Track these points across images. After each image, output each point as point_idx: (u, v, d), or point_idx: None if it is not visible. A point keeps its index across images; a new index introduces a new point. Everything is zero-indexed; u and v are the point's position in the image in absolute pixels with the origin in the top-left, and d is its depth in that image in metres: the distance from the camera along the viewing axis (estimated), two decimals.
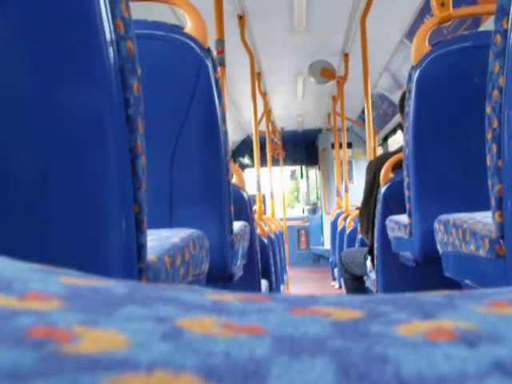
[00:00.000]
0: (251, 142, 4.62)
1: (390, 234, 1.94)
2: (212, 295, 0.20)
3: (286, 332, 0.16)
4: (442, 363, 0.14)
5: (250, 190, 2.03)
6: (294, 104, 7.23)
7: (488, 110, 0.89)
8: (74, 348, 0.14)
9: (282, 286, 4.21)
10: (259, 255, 2.05)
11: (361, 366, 0.13)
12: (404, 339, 0.15)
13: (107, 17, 0.58)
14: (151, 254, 0.72)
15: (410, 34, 4.00)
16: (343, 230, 4.48)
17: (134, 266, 0.65)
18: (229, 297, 0.20)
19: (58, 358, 0.13)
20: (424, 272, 1.79)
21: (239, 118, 7.37)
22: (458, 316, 0.17)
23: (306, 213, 9.64)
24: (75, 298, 0.18)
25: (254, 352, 0.14)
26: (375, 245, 2.15)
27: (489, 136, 0.90)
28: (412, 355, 0.14)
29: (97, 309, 0.17)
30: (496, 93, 0.86)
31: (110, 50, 0.58)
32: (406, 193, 1.64)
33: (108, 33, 0.58)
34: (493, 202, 0.91)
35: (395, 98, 5.60)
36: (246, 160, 9.15)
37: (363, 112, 4.73)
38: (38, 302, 0.17)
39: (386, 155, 2.38)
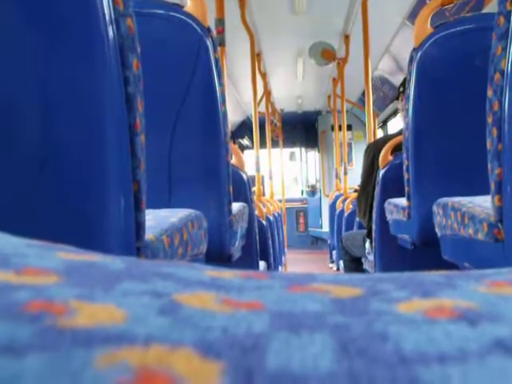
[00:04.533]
0: (251, 123, 4.61)
1: (389, 217, 1.95)
2: (211, 272, 0.20)
3: (284, 308, 0.16)
4: (442, 341, 0.13)
5: (249, 171, 2.02)
6: (293, 85, 7.20)
7: (489, 93, 0.88)
8: (70, 322, 0.14)
9: (280, 268, 4.23)
10: (258, 236, 2.06)
11: (360, 342, 0.13)
12: (404, 317, 0.15)
13: None
14: (149, 234, 0.72)
15: (412, 15, 3.97)
16: (342, 212, 4.48)
17: (132, 244, 0.65)
18: (227, 274, 0.20)
19: (54, 332, 0.13)
20: (422, 255, 1.79)
21: (239, 98, 7.34)
22: (458, 295, 0.17)
23: (304, 195, 9.65)
24: (72, 273, 0.18)
25: (252, 327, 0.14)
26: (373, 227, 2.15)
27: (489, 119, 0.89)
28: (412, 332, 0.14)
29: (94, 284, 0.17)
30: (498, 76, 0.85)
31: (110, 28, 0.58)
32: (405, 175, 1.64)
33: (107, 10, 0.57)
34: (492, 186, 0.91)
35: (396, 80, 5.58)
36: (245, 141, 9.14)
37: (363, 94, 4.71)
38: (35, 276, 0.17)
39: (385, 138, 2.38)
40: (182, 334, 0.13)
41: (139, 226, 0.67)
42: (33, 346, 0.12)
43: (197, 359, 0.12)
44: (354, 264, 2.94)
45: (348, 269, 3.08)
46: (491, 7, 2.76)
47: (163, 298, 0.16)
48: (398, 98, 2.49)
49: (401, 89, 2.34)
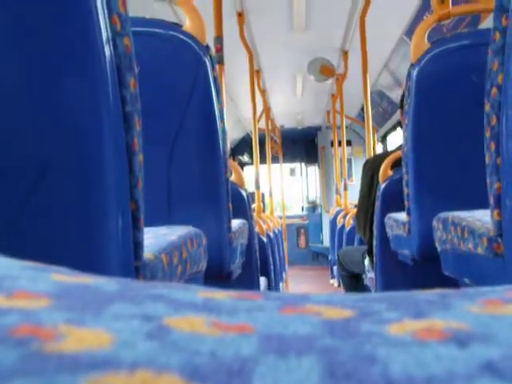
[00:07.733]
0: (250, 139, 4.62)
1: (389, 232, 1.94)
2: (204, 293, 0.19)
3: (274, 331, 0.15)
4: (431, 363, 0.13)
5: (248, 187, 2.02)
6: (293, 102, 7.23)
7: (487, 107, 0.89)
8: (57, 347, 0.14)
9: (281, 284, 4.21)
10: (258, 253, 2.05)
11: (348, 365, 0.13)
12: (394, 339, 0.15)
13: (103, 12, 0.57)
14: (148, 252, 0.71)
15: (410, 31, 4.00)
16: (342, 227, 4.48)
17: (130, 264, 0.65)
18: (221, 295, 0.19)
19: (40, 357, 0.13)
20: (423, 270, 1.78)
21: (238, 115, 7.36)
22: (451, 315, 0.17)
23: (305, 211, 9.64)
24: (64, 296, 0.18)
25: (240, 351, 0.14)
26: (374, 242, 2.15)
27: (487, 134, 0.89)
28: (401, 355, 0.14)
29: (85, 307, 0.17)
30: (495, 90, 0.86)
31: (107, 47, 0.58)
32: (405, 190, 1.64)
33: (104, 29, 0.58)
34: (491, 200, 0.91)
35: (394, 95, 5.60)
36: (245, 158, 9.15)
37: (362, 110, 4.73)
38: (25, 300, 0.17)
39: (384, 154, 2.38)
40: (169, 359, 0.13)
41: (137, 245, 0.66)
42: (17, 371, 0.12)
43: None
44: (353, 280, 2.93)
45: (346, 285, 3.07)
46: (487, 23, 2.77)
47: (153, 322, 0.16)
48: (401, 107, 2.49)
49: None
